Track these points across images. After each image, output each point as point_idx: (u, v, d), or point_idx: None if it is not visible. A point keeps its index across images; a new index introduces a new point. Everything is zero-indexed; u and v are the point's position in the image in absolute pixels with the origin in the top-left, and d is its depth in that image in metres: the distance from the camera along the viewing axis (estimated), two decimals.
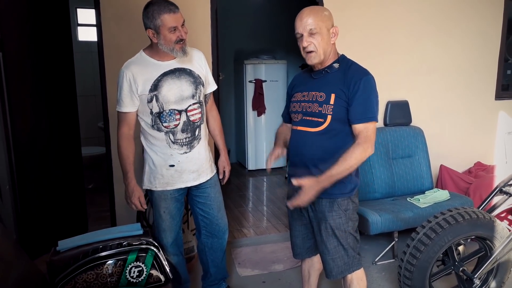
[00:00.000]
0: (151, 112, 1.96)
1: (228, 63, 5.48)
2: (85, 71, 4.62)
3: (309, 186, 1.63)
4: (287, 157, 1.91)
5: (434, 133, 3.43)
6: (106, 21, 2.66)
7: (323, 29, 1.68)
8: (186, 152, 2.03)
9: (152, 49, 1.96)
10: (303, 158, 1.78)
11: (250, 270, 2.77)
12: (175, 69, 1.97)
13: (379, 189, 3.09)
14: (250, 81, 5.13)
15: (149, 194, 2.13)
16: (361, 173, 3.02)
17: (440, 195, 2.96)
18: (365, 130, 1.68)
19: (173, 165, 2.02)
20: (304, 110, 1.77)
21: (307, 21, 1.66)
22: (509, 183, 2.26)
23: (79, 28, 5.02)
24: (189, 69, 2.01)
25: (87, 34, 5.04)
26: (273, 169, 5.30)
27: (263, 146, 5.23)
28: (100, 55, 2.69)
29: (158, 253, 1.87)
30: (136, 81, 1.92)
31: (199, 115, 2.04)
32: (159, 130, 1.98)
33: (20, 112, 2.62)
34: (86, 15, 5.02)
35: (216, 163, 2.28)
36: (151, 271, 1.84)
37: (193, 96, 2.00)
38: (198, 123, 2.04)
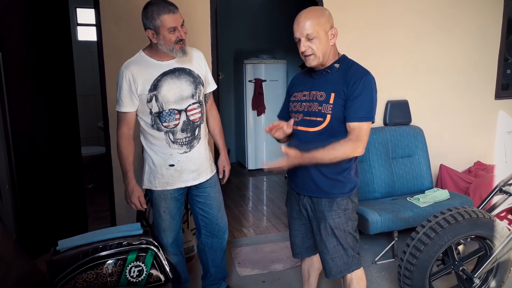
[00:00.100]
0: (151, 112, 1.96)
1: (227, 62, 5.48)
2: (85, 71, 4.62)
3: (292, 157, 1.64)
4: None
5: (434, 133, 3.43)
6: (105, 21, 2.66)
7: (321, 33, 1.66)
8: (186, 152, 2.03)
9: (152, 49, 1.96)
10: None
11: (250, 270, 2.77)
12: (174, 69, 1.97)
13: (379, 189, 3.09)
14: (249, 81, 5.13)
15: (149, 194, 2.13)
16: (361, 172, 3.03)
17: (440, 194, 2.96)
18: (359, 129, 1.67)
19: (173, 165, 2.02)
20: (305, 110, 1.77)
21: (304, 26, 1.65)
22: (509, 182, 2.26)
23: (78, 28, 5.02)
24: (188, 69, 2.00)
25: (86, 34, 5.04)
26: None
27: (263, 145, 5.24)
28: (100, 55, 2.69)
29: (158, 253, 1.87)
30: (135, 81, 1.92)
31: (199, 115, 2.04)
32: (158, 129, 1.98)
33: (20, 112, 2.62)
34: (85, 15, 5.01)
35: (216, 162, 2.28)
36: (151, 271, 1.84)
37: (192, 96, 2.00)
38: (198, 123, 2.04)
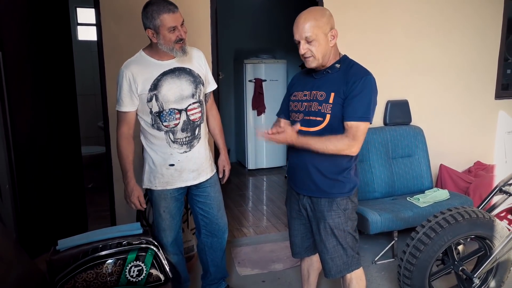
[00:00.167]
0: (151, 112, 1.96)
1: (228, 62, 5.48)
2: (85, 71, 4.62)
3: (288, 135, 1.63)
4: (287, 157, 1.90)
5: (434, 133, 3.43)
6: (105, 20, 2.66)
7: (320, 35, 1.66)
8: (186, 151, 2.03)
9: (152, 48, 1.96)
10: (302, 158, 1.78)
11: (250, 270, 2.77)
12: (174, 68, 1.97)
13: (379, 189, 3.09)
14: (250, 81, 5.13)
15: (149, 194, 2.13)
16: (361, 172, 3.04)
17: (440, 194, 2.96)
18: (356, 129, 1.66)
19: (173, 164, 2.02)
20: (305, 110, 1.77)
21: (303, 29, 1.65)
22: (508, 182, 2.26)
23: (79, 27, 5.02)
24: (188, 69, 2.01)
25: (86, 34, 5.04)
26: (272, 168, 5.34)
27: (263, 145, 5.24)
28: (100, 55, 2.69)
29: (158, 252, 1.87)
30: (135, 81, 1.92)
31: (199, 114, 2.04)
32: (159, 129, 1.98)
33: (20, 112, 2.62)
34: (85, 15, 5.01)
35: (216, 162, 2.28)
36: (150, 270, 1.84)
37: (193, 96, 2.00)
38: (198, 122, 2.04)
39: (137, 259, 1.82)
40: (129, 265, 1.80)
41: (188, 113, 2.00)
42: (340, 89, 1.69)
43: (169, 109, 1.96)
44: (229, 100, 5.68)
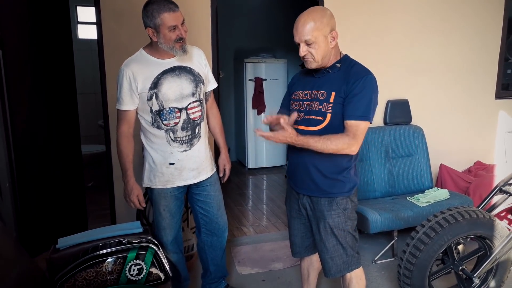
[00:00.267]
0: (151, 110, 1.96)
1: (228, 61, 5.48)
2: (85, 69, 4.62)
3: (288, 134, 1.61)
4: (287, 156, 1.90)
5: (434, 132, 3.43)
6: (106, 19, 2.66)
7: (319, 37, 1.65)
8: (186, 150, 2.03)
9: (152, 47, 1.96)
10: (302, 158, 1.78)
11: (250, 269, 2.77)
12: (175, 67, 1.97)
13: (379, 188, 3.09)
14: (250, 80, 5.13)
15: (149, 192, 2.13)
16: (361, 172, 3.04)
17: (440, 194, 2.96)
18: (355, 128, 1.66)
19: (173, 163, 2.02)
20: (307, 109, 1.76)
21: (302, 32, 1.64)
22: (509, 182, 2.26)
23: (79, 26, 5.02)
24: (189, 67, 2.00)
25: (87, 32, 5.04)
26: (272, 167, 5.34)
27: (263, 144, 5.23)
28: (100, 53, 2.69)
29: (158, 251, 1.87)
30: (136, 79, 1.92)
31: (199, 113, 2.04)
32: (159, 128, 1.98)
33: (20, 110, 2.62)
34: (86, 13, 5.01)
35: (216, 161, 2.28)
36: (151, 269, 1.84)
37: (193, 94, 2.00)
38: (198, 121, 2.04)
39: (137, 257, 1.81)
40: (129, 264, 1.80)
41: (188, 111, 2.00)
42: (340, 88, 1.69)
43: (169, 108, 1.95)
44: (229, 99, 5.68)
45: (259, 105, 5.15)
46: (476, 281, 2.11)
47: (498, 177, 3.11)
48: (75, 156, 3.18)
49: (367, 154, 3.09)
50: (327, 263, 1.82)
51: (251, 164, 5.29)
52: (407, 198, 2.98)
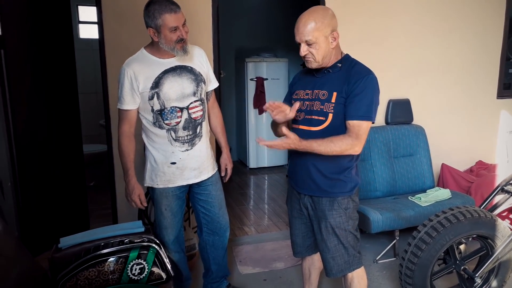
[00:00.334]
0: (152, 110, 1.96)
1: (229, 61, 5.48)
2: (87, 69, 4.62)
3: (290, 141, 1.62)
4: (288, 156, 1.90)
5: (436, 132, 3.42)
6: (107, 18, 2.66)
7: (320, 38, 1.64)
8: (187, 150, 2.03)
9: (153, 46, 1.96)
10: (303, 158, 1.77)
11: (251, 268, 2.77)
12: (176, 66, 1.97)
13: (380, 188, 3.09)
14: (251, 79, 5.13)
15: (150, 192, 2.13)
16: (363, 171, 3.03)
17: (441, 193, 2.96)
18: (358, 128, 1.65)
19: (174, 163, 2.02)
20: (308, 109, 1.76)
21: (303, 31, 1.64)
22: (510, 182, 2.25)
23: (80, 25, 5.02)
24: (190, 67, 2.00)
25: (88, 32, 5.04)
26: (274, 167, 5.34)
27: (263, 145, 5.22)
28: (101, 53, 2.69)
29: (160, 251, 1.87)
30: (137, 79, 1.92)
31: (201, 113, 2.04)
32: (160, 127, 1.98)
33: (22, 110, 2.63)
34: (87, 13, 5.02)
35: (218, 160, 2.28)
36: (152, 269, 1.84)
37: (194, 94, 2.00)
38: (200, 121, 2.04)
39: (139, 257, 1.82)
40: (131, 263, 1.80)
41: (190, 111, 2.00)
42: (342, 88, 1.69)
43: (171, 107, 1.96)
44: (231, 98, 5.68)
45: (260, 105, 5.14)
46: (478, 281, 2.11)
47: (500, 177, 3.10)
48: (76, 155, 3.19)
49: (368, 154, 3.09)
50: (329, 262, 1.82)
51: (252, 164, 5.29)
52: (409, 198, 2.97)
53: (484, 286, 2.19)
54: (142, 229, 1.99)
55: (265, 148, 5.23)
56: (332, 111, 1.69)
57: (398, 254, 2.85)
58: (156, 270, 1.85)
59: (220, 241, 2.25)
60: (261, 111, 5.19)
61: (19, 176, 2.61)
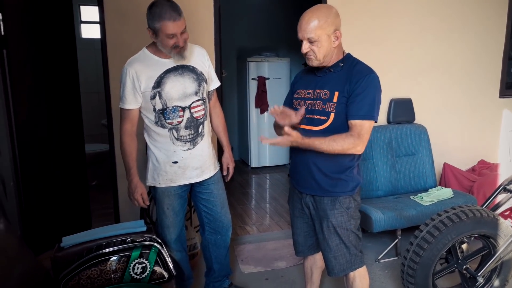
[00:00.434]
0: (154, 109, 1.96)
1: (231, 60, 5.48)
2: (88, 69, 4.63)
3: (293, 139, 1.61)
4: (290, 155, 1.90)
5: (438, 131, 3.42)
6: (109, 18, 2.66)
7: (323, 36, 1.64)
8: (189, 149, 2.03)
9: (155, 46, 1.96)
10: (305, 157, 1.78)
11: (253, 267, 2.77)
12: (178, 66, 1.97)
13: (382, 187, 3.08)
14: (253, 79, 5.13)
15: (152, 191, 2.14)
16: (364, 171, 3.03)
17: (443, 193, 2.95)
18: (360, 127, 1.65)
19: (176, 162, 2.02)
20: (309, 108, 1.76)
21: (306, 29, 1.64)
22: None
23: (82, 25, 5.03)
24: (192, 66, 2.01)
25: (90, 31, 5.05)
26: (275, 166, 5.34)
27: (265, 143, 5.22)
28: (103, 52, 2.70)
29: (162, 250, 1.87)
30: (139, 78, 1.92)
31: (203, 112, 2.04)
32: (162, 126, 1.99)
33: (24, 110, 2.64)
34: (89, 13, 5.02)
35: (220, 160, 2.28)
36: (154, 268, 1.84)
37: (196, 93, 2.01)
38: (202, 120, 2.05)
39: (141, 256, 1.82)
40: (133, 262, 1.80)
41: (192, 110, 2.00)
42: (344, 87, 1.68)
43: (173, 107, 1.96)
44: (232, 98, 5.68)
45: (262, 104, 5.15)
46: (480, 280, 2.11)
47: (502, 176, 3.09)
48: (78, 155, 3.19)
49: (370, 153, 3.08)
50: (330, 262, 1.82)
51: (254, 163, 5.29)
52: (411, 197, 2.97)
53: (486, 286, 2.18)
54: (144, 228, 2.00)
55: (267, 148, 5.24)
56: (334, 110, 1.69)
57: (400, 254, 2.85)
58: (158, 269, 1.85)
59: (222, 240, 2.25)
60: (262, 111, 5.19)
61: (22, 175, 2.61)
